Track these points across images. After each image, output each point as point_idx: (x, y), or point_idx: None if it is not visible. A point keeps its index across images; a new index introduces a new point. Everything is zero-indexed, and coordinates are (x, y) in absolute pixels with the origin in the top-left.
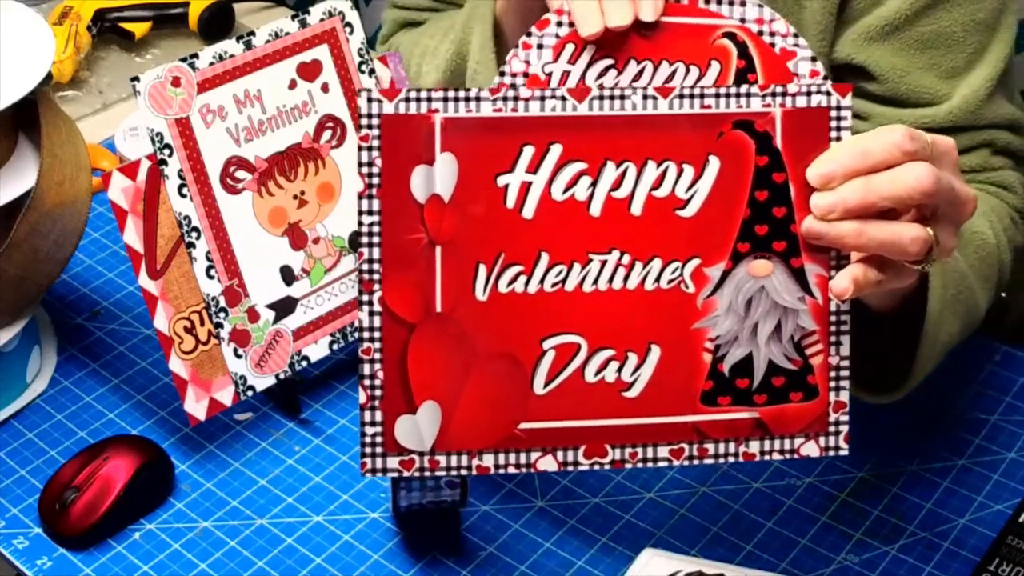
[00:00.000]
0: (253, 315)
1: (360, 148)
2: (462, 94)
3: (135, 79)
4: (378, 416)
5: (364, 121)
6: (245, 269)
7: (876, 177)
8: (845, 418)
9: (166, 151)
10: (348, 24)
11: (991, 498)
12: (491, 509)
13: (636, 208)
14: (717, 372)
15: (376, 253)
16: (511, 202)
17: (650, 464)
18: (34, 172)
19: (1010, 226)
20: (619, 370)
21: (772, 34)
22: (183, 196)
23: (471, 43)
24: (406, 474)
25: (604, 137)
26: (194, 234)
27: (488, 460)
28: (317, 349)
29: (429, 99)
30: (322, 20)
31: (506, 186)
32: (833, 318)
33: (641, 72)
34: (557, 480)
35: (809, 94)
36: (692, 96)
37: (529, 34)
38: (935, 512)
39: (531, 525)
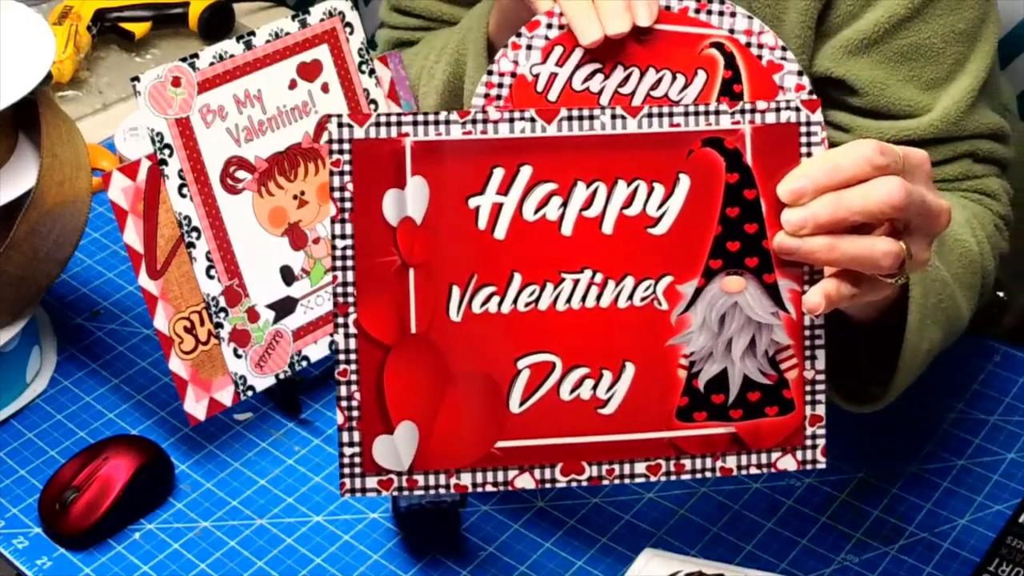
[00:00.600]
0: (253, 315)
1: (331, 173)
2: (431, 118)
3: (135, 79)
4: (356, 437)
5: (335, 146)
6: (245, 269)
7: (847, 192)
8: (822, 431)
9: (166, 151)
10: (348, 24)
11: (991, 499)
12: (491, 509)
13: (607, 227)
14: (692, 388)
15: (350, 276)
16: (483, 223)
17: (627, 480)
18: (34, 172)
19: (994, 233)
20: (594, 387)
21: (760, 46)
22: (183, 196)
23: (466, 64)
24: (385, 494)
25: (574, 157)
26: (194, 234)
27: (466, 479)
28: (317, 349)
29: (399, 123)
30: (322, 20)
31: (477, 208)
32: (807, 332)
33: (628, 78)
34: None
35: (778, 110)
36: (661, 115)
37: (519, 34)
38: (935, 512)
39: (531, 525)
